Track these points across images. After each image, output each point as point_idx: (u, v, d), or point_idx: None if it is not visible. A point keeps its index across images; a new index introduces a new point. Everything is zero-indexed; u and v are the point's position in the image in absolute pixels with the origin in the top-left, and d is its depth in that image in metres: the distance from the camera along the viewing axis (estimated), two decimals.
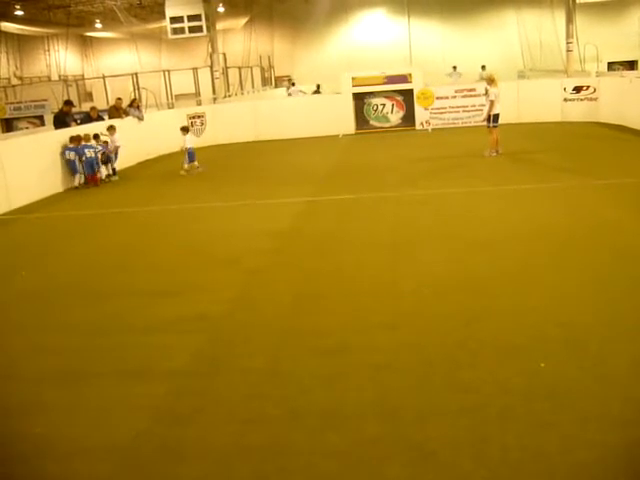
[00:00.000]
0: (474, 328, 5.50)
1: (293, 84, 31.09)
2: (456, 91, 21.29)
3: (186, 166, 15.60)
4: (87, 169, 14.91)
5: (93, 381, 5.12)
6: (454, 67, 29.87)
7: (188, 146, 15.71)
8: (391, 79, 21.59)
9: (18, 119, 23.76)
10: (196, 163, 15.80)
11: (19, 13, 30.37)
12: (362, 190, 11.88)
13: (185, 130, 15.91)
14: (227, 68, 28.42)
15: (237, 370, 5.09)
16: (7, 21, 31.89)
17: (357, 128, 21.80)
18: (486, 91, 15.26)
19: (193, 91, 25.13)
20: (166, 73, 24.85)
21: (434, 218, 9.52)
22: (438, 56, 35.73)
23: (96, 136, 15.33)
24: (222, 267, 7.92)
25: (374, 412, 4.31)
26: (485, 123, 15.36)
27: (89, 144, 14.99)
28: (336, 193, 11.81)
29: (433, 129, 21.02)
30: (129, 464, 3.98)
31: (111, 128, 15.69)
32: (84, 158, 14.80)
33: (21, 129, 22.07)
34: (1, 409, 4.82)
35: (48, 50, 38.74)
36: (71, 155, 14.60)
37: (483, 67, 28.52)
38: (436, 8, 37.22)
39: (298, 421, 4.27)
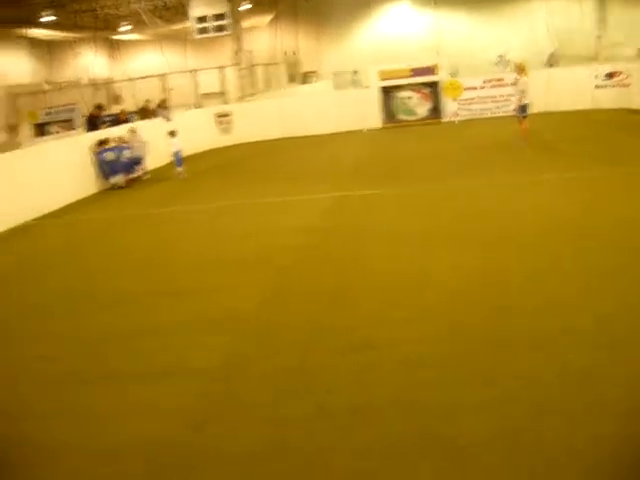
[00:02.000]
0: (503, 321, 5.44)
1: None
2: (484, 81, 21.07)
3: (179, 169, 15.64)
4: (125, 169, 15.18)
5: (121, 382, 5.19)
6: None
7: (174, 150, 15.71)
8: (417, 71, 21.44)
9: (49, 123, 24.10)
10: (180, 169, 15.67)
11: (47, 19, 30.78)
12: (389, 184, 11.84)
13: (172, 134, 15.81)
14: (253, 66, 28.49)
15: (266, 369, 5.11)
16: (36, 27, 32.37)
17: (384, 122, 21.72)
18: (515, 81, 15.09)
19: (220, 90, 25.22)
20: (193, 73, 24.99)
21: (462, 211, 9.43)
22: (466, 47, 35.40)
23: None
24: (251, 265, 7.93)
25: (403, 407, 4.29)
26: (515, 113, 15.20)
27: (125, 145, 15.22)
28: (364, 188, 11.78)
29: (460, 121, 20.84)
30: (156, 466, 4.01)
31: (131, 131, 15.81)
32: (122, 159, 15.05)
33: (52, 133, 22.38)
34: (33, 411, 4.91)
35: (77, 55, 39.26)
36: (111, 156, 14.83)
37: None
38: None
39: (327, 419, 4.27)
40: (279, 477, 3.77)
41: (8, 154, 13.04)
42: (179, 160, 15.76)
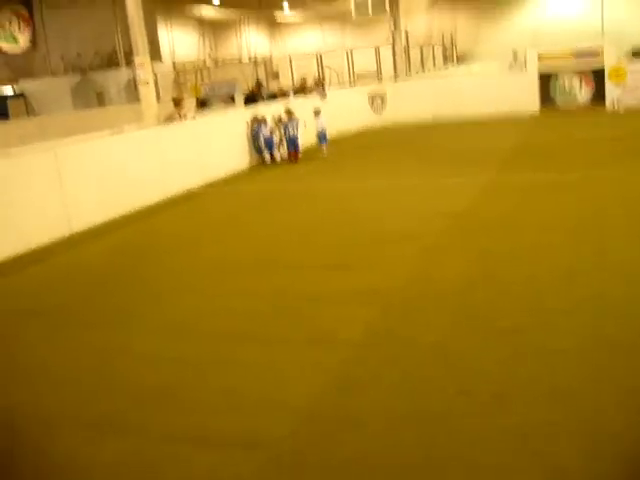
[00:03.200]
0: None
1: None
2: None
3: (324, 147, 16.24)
4: (290, 146, 15.77)
5: (274, 344, 5.48)
6: None
7: (319, 129, 16.24)
8: (580, 54, 20.47)
9: (211, 98, 25.22)
10: (324, 147, 16.24)
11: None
12: (544, 171, 11.49)
13: (317, 113, 16.36)
14: (409, 47, 28.36)
15: (410, 344, 5.21)
16: (204, 5, 34.03)
17: (542, 106, 20.95)
18: None
19: (375, 70, 25.38)
20: (349, 52, 25.30)
21: (621, 202, 8.99)
22: (635, 29, 33.28)
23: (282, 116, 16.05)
24: (395, 244, 8.03)
25: (548, 397, 4.24)
26: None
27: (281, 123, 15.75)
28: (516, 174, 11.52)
29: (626, 109, 19.70)
30: (304, 424, 4.23)
31: (287, 109, 16.22)
32: (287, 136, 15.66)
33: (214, 108, 23.44)
34: (192, 363, 5.31)
35: (239, 33, 40.82)
36: (266, 132, 15.44)
37: None
38: None
39: (469, 398, 4.30)
40: (412, 448, 3.86)
41: (173, 126, 13.88)
42: (323, 139, 16.32)
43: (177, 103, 15.03)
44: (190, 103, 21.00)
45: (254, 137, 15.55)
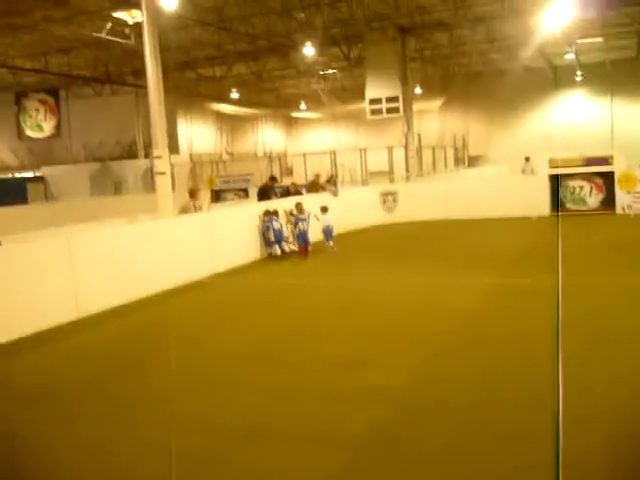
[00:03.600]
0: None
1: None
2: None
3: (331, 243, 16.49)
4: (300, 240, 15.96)
5: (273, 442, 5.37)
6: None
7: (324, 225, 16.60)
8: (591, 161, 20.83)
9: (225, 191, 25.79)
10: (331, 243, 16.51)
11: (234, 96, 33.53)
12: (552, 274, 11.46)
13: (324, 210, 16.77)
14: (421, 148, 29.03)
15: (415, 448, 5.10)
16: (223, 103, 35.23)
17: (552, 210, 21.15)
18: None
19: (387, 169, 25.89)
20: (362, 151, 25.89)
21: (631, 309, 8.97)
22: None
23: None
24: (403, 342, 7.97)
25: None
26: None
27: (302, 217, 16.00)
28: (524, 277, 11.51)
29: (635, 214, 19.87)
30: None
31: (298, 205, 16.46)
32: (297, 230, 15.89)
33: (228, 200, 23.90)
34: (195, 459, 5.18)
35: (256, 129, 42.06)
36: (277, 226, 15.63)
37: None
38: None
39: None
40: None
41: (186, 217, 14.11)
42: (329, 235, 16.62)
43: (192, 194, 15.33)
44: (205, 195, 21.40)
45: (265, 231, 15.70)
